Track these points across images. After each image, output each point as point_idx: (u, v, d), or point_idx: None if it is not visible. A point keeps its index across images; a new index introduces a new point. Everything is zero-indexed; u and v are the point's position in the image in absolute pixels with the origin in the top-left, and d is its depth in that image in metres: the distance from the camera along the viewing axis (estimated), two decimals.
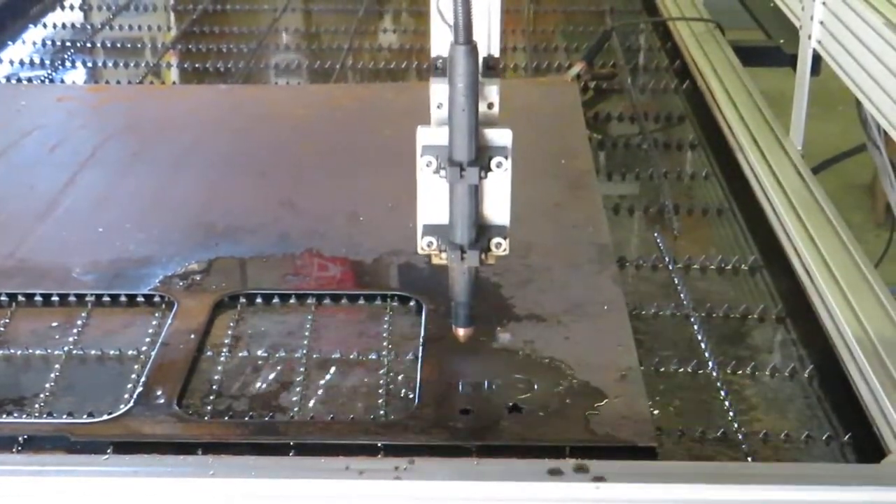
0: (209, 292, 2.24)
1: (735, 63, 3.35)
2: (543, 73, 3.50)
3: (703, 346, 2.13)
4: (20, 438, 1.84)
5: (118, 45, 3.81)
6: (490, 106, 1.79)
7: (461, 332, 1.96)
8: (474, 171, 1.76)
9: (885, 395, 1.86)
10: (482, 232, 1.85)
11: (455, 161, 1.77)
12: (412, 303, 2.21)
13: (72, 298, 2.24)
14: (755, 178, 2.66)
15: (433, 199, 1.84)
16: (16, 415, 1.93)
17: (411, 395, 1.95)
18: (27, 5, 4.07)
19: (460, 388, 1.95)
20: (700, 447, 1.86)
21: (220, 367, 2.04)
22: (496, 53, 1.82)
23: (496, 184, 1.82)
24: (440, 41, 1.80)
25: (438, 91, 1.79)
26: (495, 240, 1.85)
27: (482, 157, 1.78)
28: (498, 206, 1.84)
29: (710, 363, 2.07)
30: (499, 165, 1.79)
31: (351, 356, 2.07)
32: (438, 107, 1.80)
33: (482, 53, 1.77)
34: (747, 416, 1.94)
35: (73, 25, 4.00)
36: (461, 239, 1.84)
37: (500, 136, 1.79)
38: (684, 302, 2.27)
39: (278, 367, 2.05)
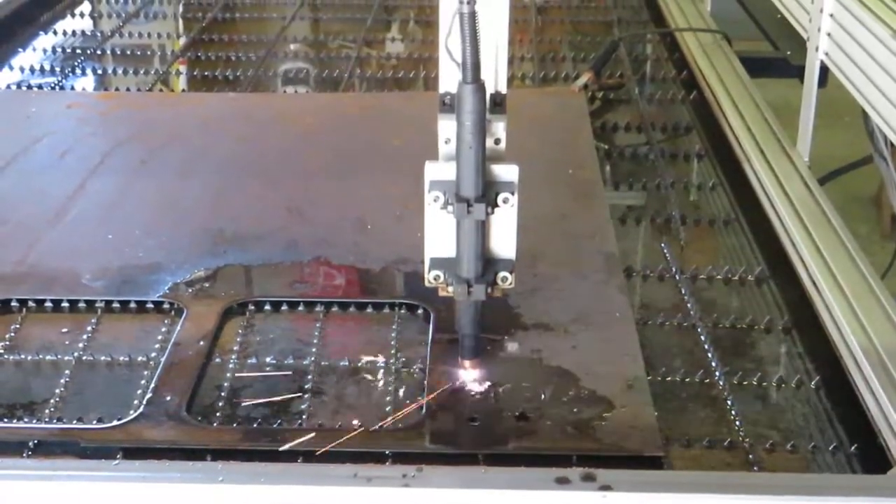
0: (218, 299, 2.25)
1: (742, 74, 3.36)
2: (551, 83, 3.51)
3: (709, 356, 2.13)
4: (30, 443, 1.85)
5: (128, 53, 3.82)
6: (497, 142, 1.81)
7: (467, 363, 1.98)
8: (481, 206, 1.79)
9: (890, 406, 1.87)
10: (488, 266, 1.87)
11: (462, 197, 1.79)
12: (420, 311, 2.22)
13: (81, 304, 2.25)
14: (762, 189, 2.67)
15: (440, 233, 1.86)
16: (26, 420, 1.94)
17: (419, 403, 1.95)
18: (37, 13, 4.09)
19: (468, 396, 1.96)
20: (707, 457, 1.87)
21: (228, 374, 2.05)
22: (503, 90, 1.83)
23: (503, 219, 1.84)
24: (448, 78, 1.81)
25: (446, 127, 1.81)
26: (501, 274, 1.88)
27: (489, 192, 1.80)
28: (504, 240, 1.87)
29: (717, 373, 2.07)
30: (505, 201, 1.81)
31: (359, 364, 2.08)
32: (446, 142, 1.82)
33: (489, 90, 1.78)
34: (753, 426, 1.94)
35: (83, 33, 4.02)
36: (468, 273, 1.86)
37: (506, 172, 1.82)
38: (691, 312, 2.27)
39: (287, 374, 2.06)
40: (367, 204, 2.63)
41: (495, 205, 1.82)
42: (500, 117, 1.82)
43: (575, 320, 2.16)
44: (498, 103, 1.82)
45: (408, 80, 3.58)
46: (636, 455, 1.81)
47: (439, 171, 1.83)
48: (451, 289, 1.90)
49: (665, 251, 2.52)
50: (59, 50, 3.81)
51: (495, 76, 1.82)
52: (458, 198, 1.80)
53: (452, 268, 1.89)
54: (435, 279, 1.90)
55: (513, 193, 1.82)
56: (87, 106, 3.30)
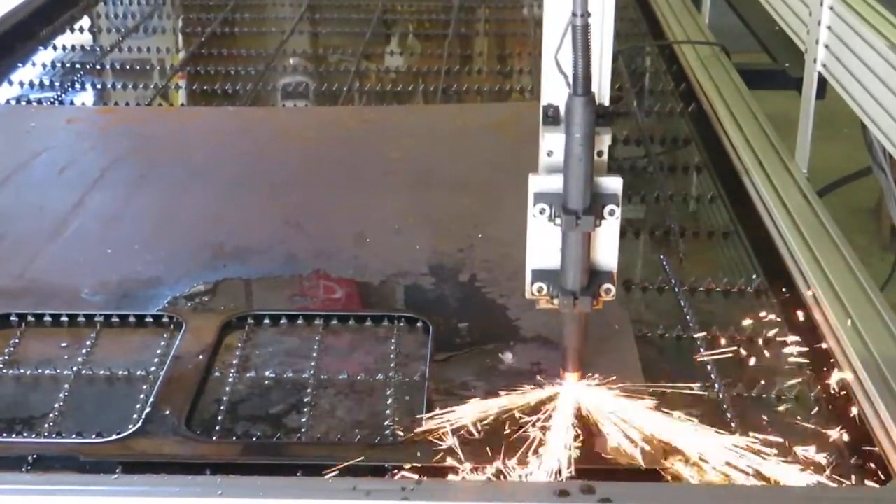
0: (217, 313, 2.25)
1: (740, 86, 3.37)
2: None
3: (708, 367, 2.13)
4: (29, 458, 1.85)
5: (127, 68, 3.83)
6: (599, 154, 1.80)
7: (570, 376, 1.95)
8: (589, 219, 1.77)
9: (890, 418, 1.86)
10: (592, 278, 1.85)
11: (570, 209, 1.77)
12: (419, 324, 2.22)
13: (81, 319, 2.25)
14: (761, 201, 2.67)
15: (543, 245, 1.84)
16: (25, 434, 1.94)
17: (418, 416, 1.95)
18: (37, 28, 4.09)
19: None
20: (706, 469, 1.86)
21: (227, 388, 2.05)
22: (606, 102, 1.82)
23: (606, 230, 1.82)
24: (551, 90, 1.80)
25: (550, 139, 1.80)
26: (605, 286, 1.86)
27: (595, 204, 1.78)
28: (607, 251, 1.85)
29: (717, 385, 2.07)
30: (611, 213, 1.80)
31: (358, 377, 2.08)
32: (549, 154, 1.80)
33: None
34: (754, 438, 1.94)
35: (82, 48, 4.03)
36: (573, 285, 1.84)
37: (611, 184, 1.80)
38: (690, 324, 2.27)
39: (286, 388, 2.06)
40: (366, 217, 2.63)
41: (601, 216, 1.80)
42: (605, 129, 1.80)
43: None
44: (601, 115, 1.80)
45: (407, 93, 3.58)
46: (635, 468, 1.81)
47: (544, 183, 1.80)
48: (555, 301, 1.87)
49: (664, 263, 2.52)
50: (59, 65, 3.81)
51: (599, 89, 1.81)
52: (566, 210, 1.77)
53: (556, 280, 1.86)
54: (538, 291, 1.87)
55: (617, 205, 1.80)
56: (87, 120, 3.31)
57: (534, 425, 1.87)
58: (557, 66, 1.74)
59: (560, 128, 1.77)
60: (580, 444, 1.83)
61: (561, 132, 1.76)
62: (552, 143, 1.80)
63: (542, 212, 1.80)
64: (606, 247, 1.85)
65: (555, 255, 1.84)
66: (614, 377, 1.97)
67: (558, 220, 1.79)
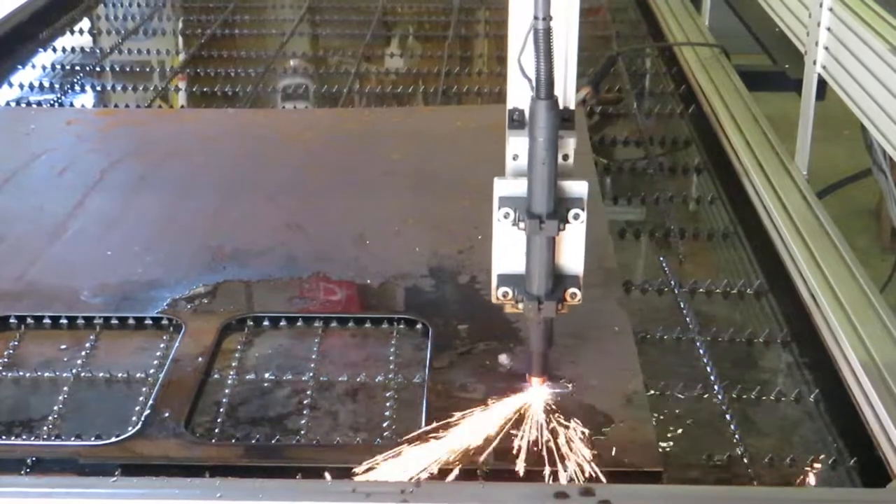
0: (217, 315, 2.25)
1: (740, 88, 3.37)
2: None
3: (708, 369, 2.13)
4: (28, 461, 1.85)
5: (127, 69, 3.83)
6: (565, 157, 1.79)
7: (536, 380, 1.95)
8: (553, 223, 1.76)
9: (890, 420, 1.86)
10: (557, 282, 1.85)
11: (534, 213, 1.77)
12: (419, 326, 2.22)
13: (80, 321, 2.24)
14: (760, 203, 2.67)
15: (508, 249, 1.84)
16: (24, 437, 1.94)
17: (418, 418, 1.95)
18: (37, 30, 4.09)
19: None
20: (706, 471, 1.86)
21: (227, 390, 2.05)
22: (572, 106, 1.82)
23: (572, 234, 1.82)
24: (517, 93, 1.79)
25: (515, 143, 1.79)
26: (570, 290, 1.85)
27: (560, 208, 1.78)
28: (573, 256, 1.85)
29: (716, 387, 2.07)
30: (576, 217, 1.79)
31: (357, 379, 2.08)
32: (514, 158, 1.80)
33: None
34: (753, 440, 1.94)
35: (82, 49, 4.03)
36: (538, 290, 1.84)
37: (576, 188, 1.80)
38: (690, 326, 2.27)
39: (285, 390, 2.06)
40: (366, 219, 2.63)
41: (566, 221, 1.80)
42: (570, 133, 1.79)
43: (574, 334, 2.16)
44: (567, 119, 1.79)
45: (407, 95, 3.58)
46: (635, 470, 1.81)
47: (509, 187, 1.80)
48: (520, 305, 1.87)
49: (664, 265, 2.52)
50: (59, 67, 3.82)
51: (564, 92, 1.80)
52: (530, 214, 1.77)
53: (521, 284, 1.85)
54: (503, 296, 1.87)
55: (582, 209, 1.80)
56: (87, 122, 3.31)
57: (528, 429, 1.87)
58: (521, 70, 1.74)
59: (525, 131, 1.77)
60: (575, 447, 1.83)
61: (526, 136, 1.76)
62: (517, 147, 1.79)
63: (506, 216, 1.80)
64: (572, 251, 1.84)
65: (520, 259, 1.84)
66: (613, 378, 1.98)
67: (522, 225, 1.78)
